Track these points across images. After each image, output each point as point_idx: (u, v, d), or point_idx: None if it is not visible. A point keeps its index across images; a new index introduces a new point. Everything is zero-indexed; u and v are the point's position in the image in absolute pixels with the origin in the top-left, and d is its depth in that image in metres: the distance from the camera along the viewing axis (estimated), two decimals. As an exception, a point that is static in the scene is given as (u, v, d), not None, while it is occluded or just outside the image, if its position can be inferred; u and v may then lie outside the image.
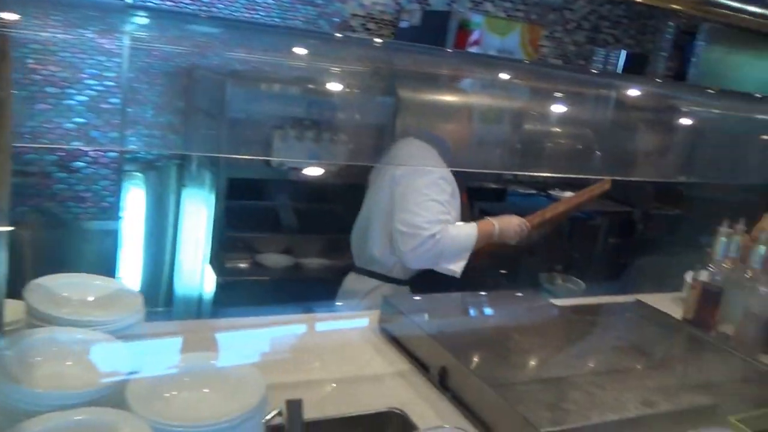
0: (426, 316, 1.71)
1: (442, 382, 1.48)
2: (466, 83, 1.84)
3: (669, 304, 2.33)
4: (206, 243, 2.85)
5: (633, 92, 1.82)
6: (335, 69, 1.34)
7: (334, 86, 1.40)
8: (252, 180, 2.86)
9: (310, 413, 1.31)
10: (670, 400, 1.41)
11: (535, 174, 3.41)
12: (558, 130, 2.38)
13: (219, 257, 2.86)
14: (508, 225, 2.27)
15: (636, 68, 4.07)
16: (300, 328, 1.78)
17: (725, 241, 2.16)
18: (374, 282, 2.26)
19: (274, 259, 2.97)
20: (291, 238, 3.04)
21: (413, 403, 1.43)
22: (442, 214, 2.11)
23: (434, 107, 1.70)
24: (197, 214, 2.97)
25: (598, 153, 1.85)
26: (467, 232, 2.17)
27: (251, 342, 1.63)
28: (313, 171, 2.90)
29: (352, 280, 2.34)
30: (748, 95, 1.67)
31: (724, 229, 2.19)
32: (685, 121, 1.74)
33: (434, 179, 2.14)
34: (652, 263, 3.43)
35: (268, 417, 1.15)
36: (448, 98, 1.72)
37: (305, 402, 1.36)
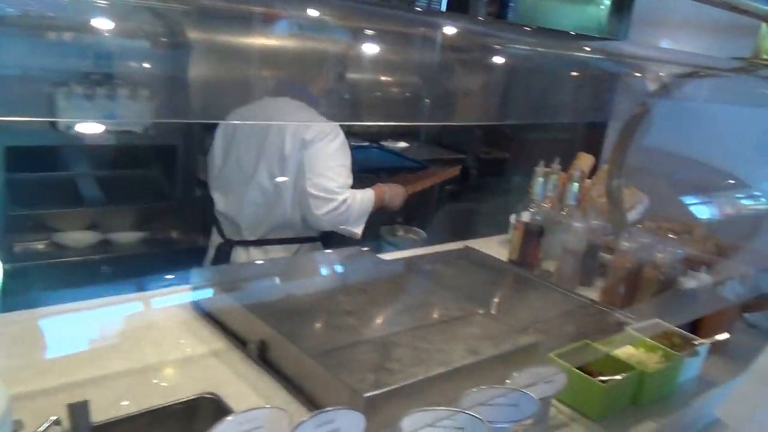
0: (241, 286, 1.56)
1: (261, 357, 1.35)
2: (281, 25, 1.66)
3: (497, 247, 2.35)
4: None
5: (458, 32, 1.73)
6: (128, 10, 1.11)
7: (130, 31, 1.17)
8: (38, 147, 2.48)
9: (102, 414, 1.14)
10: (495, 344, 1.38)
11: (355, 123, 3.31)
12: (382, 74, 2.30)
13: (5, 240, 2.49)
14: (397, 192, 2.46)
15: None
16: (99, 314, 1.55)
17: (542, 181, 2.20)
18: (292, 246, 2.29)
19: (77, 237, 2.64)
20: (95, 211, 2.72)
21: (229, 384, 1.29)
22: (348, 178, 2.21)
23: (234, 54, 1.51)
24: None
25: (425, 98, 1.78)
26: (368, 197, 2.29)
27: (35, 337, 1.40)
28: (114, 134, 2.59)
29: (254, 254, 2.27)
30: (566, 34, 1.66)
31: (540, 169, 2.22)
32: (510, 62, 1.68)
33: (341, 144, 2.20)
34: (485, 208, 3.50)
35: (41, 430, 0.96)
36: (254, 42, 1.53)
37: (98, 401, 1.19)
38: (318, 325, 1.41)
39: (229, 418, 1.01)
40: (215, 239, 2.39)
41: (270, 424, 1.03)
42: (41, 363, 1.30)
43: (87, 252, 2.62)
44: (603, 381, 1.33)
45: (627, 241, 1.88)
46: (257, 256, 2.27)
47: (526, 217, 2.13)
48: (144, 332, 1.45)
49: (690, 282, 1.74)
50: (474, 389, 1.17)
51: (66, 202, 2.70)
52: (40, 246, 2.60)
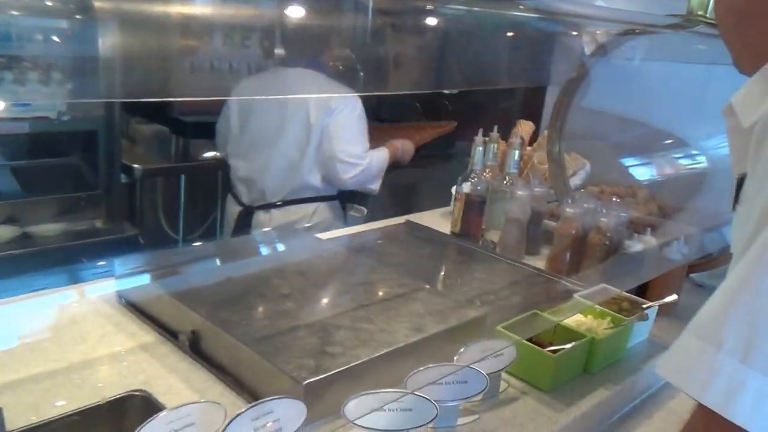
0: (169, 273, 1.45)
1: (193, 349, 1.26)
2: None
3: (439, 220, 2.30)
4: None
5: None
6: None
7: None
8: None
9: (19, 420, 1.03)
10: (440, 320, 1.33)
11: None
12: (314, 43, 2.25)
13: None
14: (408, 148, 2.74)
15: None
16: (15, 311, 1.43)
17: (482, 151, 2.14)
18: (312, 205, 2.47)
19: (-5, 232, 2.47)
20: (13, 204, 2.54)
21: (160, 379, 1.19)
22: (368, 142, 2.45)
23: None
24: None
25: (357, 67, 1.71)
26: (384, 155, 2.55)
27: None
28: (28, 121, 2.41)
29: (276, 216, 2.42)
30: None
31: (479, 138, 2.16)
32: (441, 24, 1.60)
33: (362, 110, 2.41)
34: (426, 181, 3.44)
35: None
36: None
37: (14, 407, 1.08)
38: (253, 311, 1.32)
39: (161, 414, 0.92)
40: (232, 208, 2.55)
41: (204, 418, 0.95)
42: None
43: (6, 247, 2.44)
44: (553, 351, 1.29)
45: (571, 207, 1.84)
46: (279, 218, 2.42)
47: (466, 188, 2.08)
48: (65, 329, 1.34)
49: (636, 245, 1.72)
50: (420, 368, 1.11)
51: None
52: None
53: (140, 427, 0.89)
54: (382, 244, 1.93)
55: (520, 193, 1.96)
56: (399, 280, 1.50)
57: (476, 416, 1.18)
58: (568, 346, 1.31)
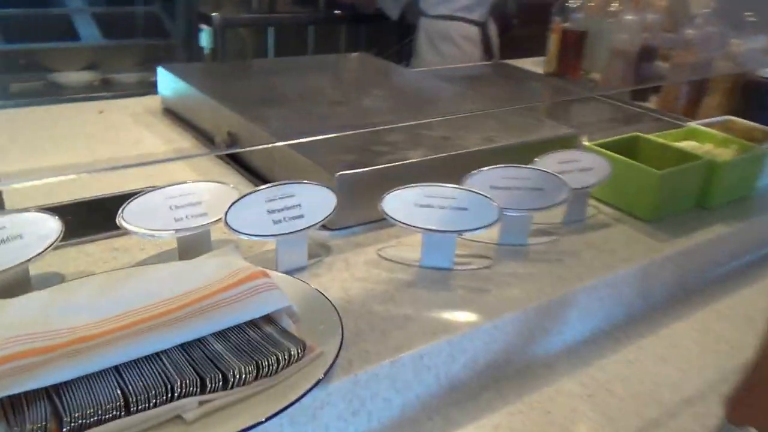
0: (213, 81, 1.29)
1: (229, 153, 1.11)
2: None
3: (531, 65, 2.01)
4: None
5: None
6: None
7: None
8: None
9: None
10: (518, 134, 1.10)
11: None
12: None
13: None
14: None
15: None
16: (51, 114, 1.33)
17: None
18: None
19: (74, 77, 2.42)
20: (93, 49, 2.47)
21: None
22: None
23: None
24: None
25: None
26: None
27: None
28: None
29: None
30: None
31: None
32: None
33: None
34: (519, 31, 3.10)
35: None
36: None
37: (25, 194, 0.98)
38: (296, 113, 1.14)
39: (160, 188, 0.78)
40: None
41: (212, 199, 0.79)
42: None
43: (85, 91, 2.39)
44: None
45: (692, 29, 1.52)
46: None
47: (564, 19, 1.78)
48: (100, 134, 1.23)
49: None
50: (484, 168, 0.90)
51: (61, 40, 2.45)
52: (36, 86, 2.38)
53: (133, 197, 0.75)
54: (467, 79, 1.69)
55: (628, 17, 1.64)
56: (474, 101, 1.27)
57: (554, 237, 0.97)
58: (680, 167, 1.05)
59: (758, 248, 1.17)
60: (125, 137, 1.21)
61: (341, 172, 0.87)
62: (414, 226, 0.81)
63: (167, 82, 1.30)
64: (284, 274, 0.74)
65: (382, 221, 0.84)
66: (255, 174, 1.05)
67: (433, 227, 0.82)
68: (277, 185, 0.78)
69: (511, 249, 0.91)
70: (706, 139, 1.20)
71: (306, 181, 0.80)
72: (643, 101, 1.68)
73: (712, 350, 0.89)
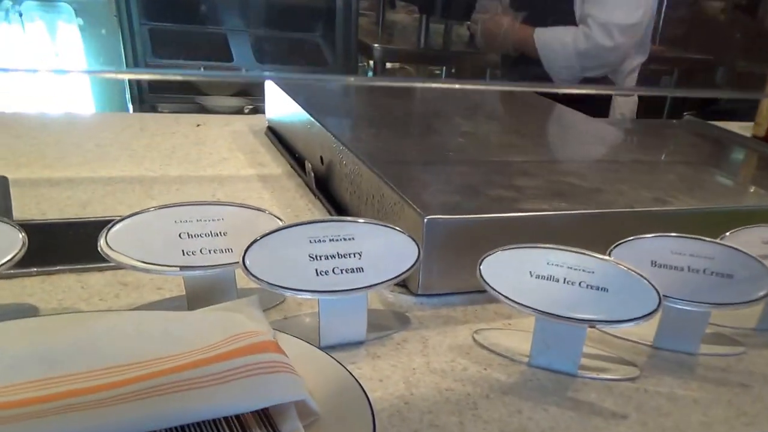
0: (318, 100, 1.11)
1: (318, 182, 0.91)
2: None
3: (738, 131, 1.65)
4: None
5: None
6: None
7: None
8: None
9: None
10: (702, 197, 0.80)
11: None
12: None
13: (149, 99, 2.31)
14: None
15: None
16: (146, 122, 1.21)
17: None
18: None
19: (223, 102, 2.39)
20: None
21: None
22: None
23: None
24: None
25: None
26: None
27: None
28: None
29: None
30: None
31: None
32: None
33: None
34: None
35: None
36: None
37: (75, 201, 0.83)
38: (407, 141, 0.92)
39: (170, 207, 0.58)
40: None
41: (242, 228, 0.59)
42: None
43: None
44: None
45: None
46: None
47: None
48: (181, 147, 1.08)
49: None
50: (646, 236, 0.62)
51: (215, 61, 2.44)
52: (182, 107, 2.37)
53: (129, 216, 0.56)
54: (650, 134, 1.39)
55: None
56: (653, 156, 0.98)
57: (740, 348, 0.65)
58: None
59: None
60: (208, 154, 1.05)
61: (433, 216, 0.62)
62: (522, 305, 0.55)
63: (274, 96, 1.13)
64: (318, 350, 0.50)
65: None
66: (340, 209, 0.84)
67: (553, 311, 0.55)
68: (330, 220, 0.56)
69: (671, 357, 0.62)
70: None
71: (375, 221, 0.57)
72: None
73: None
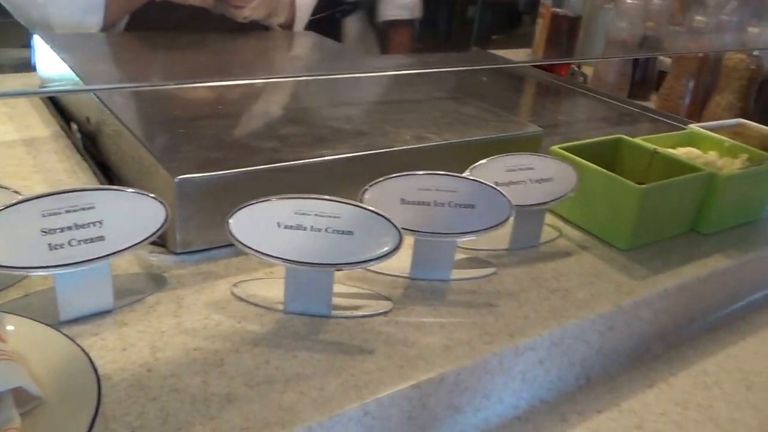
0: (83, 55, 1.04)
1: (84, 143, 0.86)
2: None
3: (517, 56, 1.76)
4: None
5: None
6: None
7: None
8: None
9: None
10: (462, 132, 0.85)
11: None
12: None
13: None
14: None
15: None
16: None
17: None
18: None
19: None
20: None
21: (27, 173, 0.81)
22: None
23: None
24: None
25: None
26: None
27: None
28: None
29: None
30: None
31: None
32: None
33: None
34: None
35: None
36: None
37: None
38: (178, 98, 0.89)
39: None
40: None
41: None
42: None
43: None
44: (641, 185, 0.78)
45: (701, 16, 1.26)
46: None
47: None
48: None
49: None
50: (392, 176, 0.65)
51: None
52: None
53: None
54: (428, 62, 1.44)
55: (630, 2, 1.39)
56: (424, 90, 1.02)
57: (491, 270, 0.71)
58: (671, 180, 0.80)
59: (766, 288, 0.91)
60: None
61: (184, 176, 0.61)
62: (270, 255, 0.56)
63: (43, 53, 1.05)
64: (49, 327, 0.49)
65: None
66: (111, 175, 0.81)
67: (300, 258, 0.57)
68: (65, 191, 0.53)
69: (426, 287, 0.66)
70: (710, 146, 0.95)
71: (118, 187, 0.56)
72: (643, 99, 1.43)
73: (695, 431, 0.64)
